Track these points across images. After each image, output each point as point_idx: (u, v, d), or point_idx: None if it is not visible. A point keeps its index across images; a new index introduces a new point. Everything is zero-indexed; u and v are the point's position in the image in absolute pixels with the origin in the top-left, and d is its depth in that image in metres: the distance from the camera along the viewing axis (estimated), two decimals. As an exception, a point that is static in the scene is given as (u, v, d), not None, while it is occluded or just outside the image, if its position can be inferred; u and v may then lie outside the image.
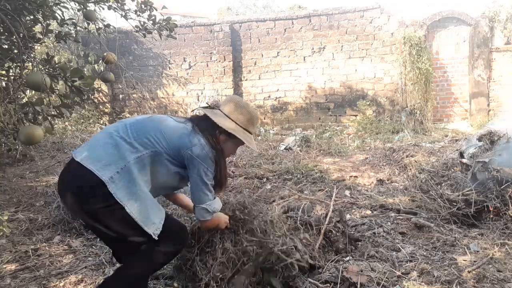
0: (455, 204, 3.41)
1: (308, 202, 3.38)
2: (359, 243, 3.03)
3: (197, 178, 1.98)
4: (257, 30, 9.39)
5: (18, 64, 3.18)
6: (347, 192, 4.47)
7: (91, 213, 1.84)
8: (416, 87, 8.37)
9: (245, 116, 2.14)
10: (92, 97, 9.96)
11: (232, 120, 2.11)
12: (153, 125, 2.00)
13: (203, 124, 2.07)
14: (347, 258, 2.79)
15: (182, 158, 1.97)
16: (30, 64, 2.53)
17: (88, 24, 3.80)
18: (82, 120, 9.53)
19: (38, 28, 3.85)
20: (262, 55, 9.42)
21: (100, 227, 1.87)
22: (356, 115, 9.06)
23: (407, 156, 5.45)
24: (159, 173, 1.96)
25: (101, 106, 10.14)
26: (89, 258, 3.00)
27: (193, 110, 2.30)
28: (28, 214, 3.88)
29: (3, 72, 3.30)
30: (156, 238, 1.90)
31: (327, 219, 2.94)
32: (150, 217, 1.89)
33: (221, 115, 2.11)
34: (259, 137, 8.44)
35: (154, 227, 1.90)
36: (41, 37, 3.35)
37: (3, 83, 3.22)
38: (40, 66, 2.63)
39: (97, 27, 4.09)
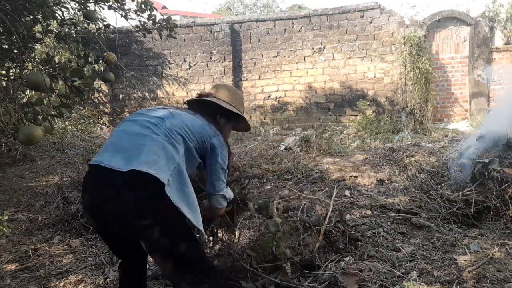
0: (455, 204, 3.41)
1: (308, 202, 3.38)
2: (359, 243, 3.03)
3: (218, 166, 2.01)
4: (257, 30, 9.39)
5: (18, 64, 3.18)
6: (347, 192, 4.46)
7: (146, 223, 1.69)
8: (416, 87, 8.37)
9: (239, 99, 2.28)
10: (92, 97, 9.98)
11: (231, 104, 2.19)
12: (178, 120, 1.96)
13: (206, 112, 2.12)
14: (347, 258, 2.79)
15: (205, 149, 1.98)
16: (30, 64, 2.53)
17: (88, 24, 3.80)
18: (82, 120, 9.52)
19: (38, 28, 3.84)
20: (262, 55, 9.42)
21: (151, 236, 1.71)
22: (356, 115, 9.06)
23: (407, 156, 5.44)
24: (189, 168, 1.95)
25: (101, 106, 10.14)
26: (89, 258, 3.00)
27: (185, 102, 2.29)
28: (28, 214, 3.88)
29: (3, 72, 3.29)
30: (201, 241, 1.90)
31: (327, 219, 2.94)
32: (199, 217, 1.84)
33: (220, 101, 2.17)
34: (259, 137, 8.44)
35: (201, 228, 1.86)
36: (41, 37, 3.35)
37: (3, 83, 3.22)
38: (40, 66, 2.63)
39: (97, 27, 4.09)
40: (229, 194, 2.14)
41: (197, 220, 1.82)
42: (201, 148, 1.97)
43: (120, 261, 2.15)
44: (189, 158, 1.92)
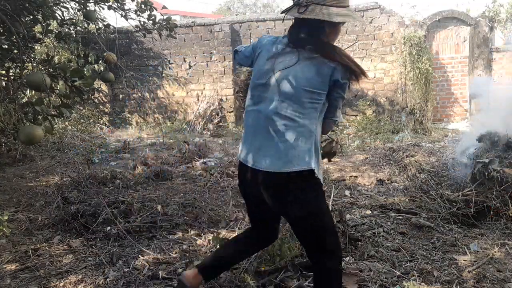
0: (455, 204, 3.41)
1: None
2: (359, 243, 3.03)
3: (337, 96, 1.85)
4: (257, 30, 9.39)
5: (18, 64, 3.18)
6: (347, 192, 4.47)
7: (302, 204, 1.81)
8: (416, 87, 8.37)
9: None
10: (92, 97, 9.98)
11: (333, 6, 1.78)
12: (295, 90, 1.78)
13: (311, 34, 1.81)
14: (347, 258, 2.79)
15: (325, 93, 1.82)
16: (30, 64, 2.53)
17: (88, 24, 3.80)
18: (82, 120, 9.53)
19: (38, 28, 3.84)
20: (262, 55, 9.41)
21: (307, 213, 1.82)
22: (356, 115, 9.06)
23: (407, 156, 5.45)
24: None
25: (101, 106, 10.14)
26: (89, 258, 3.00)
27: (283, 20, 2.00)
28: (28, 214, 3.88)
29: (3, 72, 3.29)
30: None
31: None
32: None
33: (321, 9, 1.76)
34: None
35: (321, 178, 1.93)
36: (41, 37, 3.35)
37: (3, 83, 3.22)
38: (40, 66, 2.63)
39: (97, 27, 4.09)
40: (340, 118, 1.98)
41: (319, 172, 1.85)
42: (323, 94, 1.82)
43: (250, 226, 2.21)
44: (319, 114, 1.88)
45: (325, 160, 2.31)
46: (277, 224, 2.16)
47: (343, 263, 2.70)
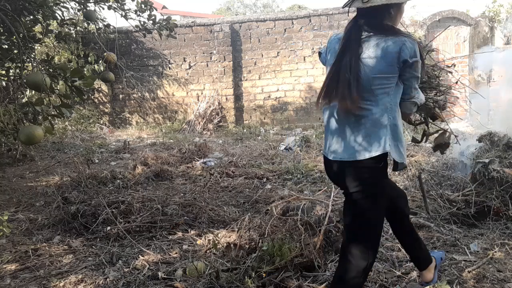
0: (455, 204, 3.41)
1: (308, 202, 3.38)
2: (359, 243, 3.03)
3: (410, 76, 1.85)
4: (257, 30, 9.39)
5: (18, 64, 3.18)
6: (347, 192, 4.46)
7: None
8: (416, 87, 8.36)
9: None
10: (92, 97, 9.98)
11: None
12: (364, 79, 1.81)
13: (375, 21, 1.85)
14: (347, 258, 2.79)
15: (395, 76, 1.83)
16: (30, 64, 2.53)
17: (88, 24, 3.80)
18: (82, 120, 9.53)
19: (38, 28, 3.84)
20: (262, 55, 9.42)
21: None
22: (356, 115, 9.06)
23: (407, 156, 5.44)
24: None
25: (101, 106, 10.14)
26: (89, 258, 3.00)
27: (348, 13, 2.06)
28: (28, 214, 3.88)
29: (3, 72, 3.30)
30: None
31: (327, 219, 2.94)
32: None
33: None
34: (259, 137, 8.44)
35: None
36: (41, 37, 3.35)
37: (3, 83, 3.23)
38: (40, 66, 2.63)
39: (97, 27, 4.09)
40: (420, 98, 1.99)
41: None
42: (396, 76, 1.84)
43: None
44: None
45: (438, 152, 2.32)
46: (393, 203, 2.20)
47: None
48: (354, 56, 1.83)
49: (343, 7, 1.92)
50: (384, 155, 1.87)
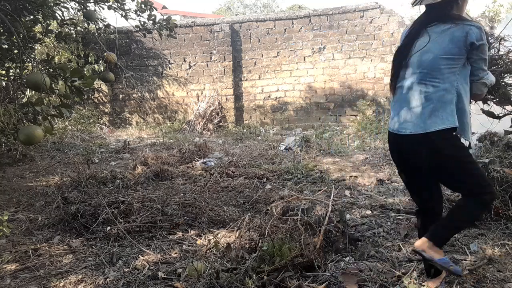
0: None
1: (308, 202, 3.39)
2: (359, 243, 3.04)
3: (477, 58, 2.06)
4: (257, 30, 9.39)
5: (18, 64, 3.18)
6: (347, 192, 4.47)
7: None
8: (416, 87, 8.36)
9: None
10: (92, 97, 9.99)
11: None
12: (432, 60, 2.06)
13: (443, 13, 2.10)
14: (347, 258, 2.79)
15: (463, 57, 2.04)
16: (30, 64, 2.53)
17: (88, 24, 3.80)
18: (82, 120, 9.54)
19: (38, 28, 3.84)
20: (262, 55, 9.42)
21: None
22: (356, 115, 9.06)
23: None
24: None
25: (101, 106, 10.14)
26: (89, 258, 3.00)
27: (420, 11, 2.29)
28: (28, 214, 3.88)
29: (3, 72, 3.29)
30: None
31: (327, 219, 2.94)
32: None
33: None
34: (259, 137, 8.44)
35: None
36: (41, 37, 3.35)
37: (3, 83, 3.22)
38: (40, 66, 2.63)
39: (97, 27, 4.09)
40: (490, 80, 2.17)
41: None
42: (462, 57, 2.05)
43: (416, 208, 2.50)
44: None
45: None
46: (436, 192, 2.33)
47: (342, 263, 2.70)
48: (422, 45, 2.09)
49: (413, 6, 2.23)
50: (452, 129, 2.05)
